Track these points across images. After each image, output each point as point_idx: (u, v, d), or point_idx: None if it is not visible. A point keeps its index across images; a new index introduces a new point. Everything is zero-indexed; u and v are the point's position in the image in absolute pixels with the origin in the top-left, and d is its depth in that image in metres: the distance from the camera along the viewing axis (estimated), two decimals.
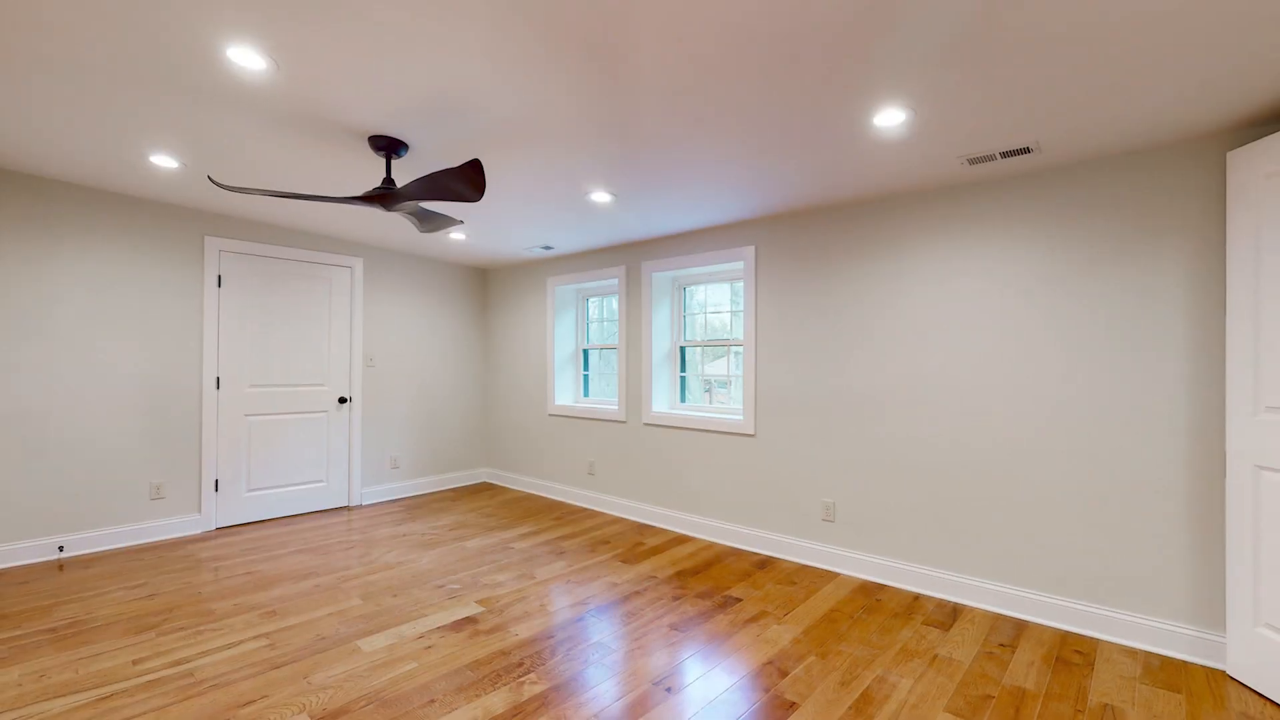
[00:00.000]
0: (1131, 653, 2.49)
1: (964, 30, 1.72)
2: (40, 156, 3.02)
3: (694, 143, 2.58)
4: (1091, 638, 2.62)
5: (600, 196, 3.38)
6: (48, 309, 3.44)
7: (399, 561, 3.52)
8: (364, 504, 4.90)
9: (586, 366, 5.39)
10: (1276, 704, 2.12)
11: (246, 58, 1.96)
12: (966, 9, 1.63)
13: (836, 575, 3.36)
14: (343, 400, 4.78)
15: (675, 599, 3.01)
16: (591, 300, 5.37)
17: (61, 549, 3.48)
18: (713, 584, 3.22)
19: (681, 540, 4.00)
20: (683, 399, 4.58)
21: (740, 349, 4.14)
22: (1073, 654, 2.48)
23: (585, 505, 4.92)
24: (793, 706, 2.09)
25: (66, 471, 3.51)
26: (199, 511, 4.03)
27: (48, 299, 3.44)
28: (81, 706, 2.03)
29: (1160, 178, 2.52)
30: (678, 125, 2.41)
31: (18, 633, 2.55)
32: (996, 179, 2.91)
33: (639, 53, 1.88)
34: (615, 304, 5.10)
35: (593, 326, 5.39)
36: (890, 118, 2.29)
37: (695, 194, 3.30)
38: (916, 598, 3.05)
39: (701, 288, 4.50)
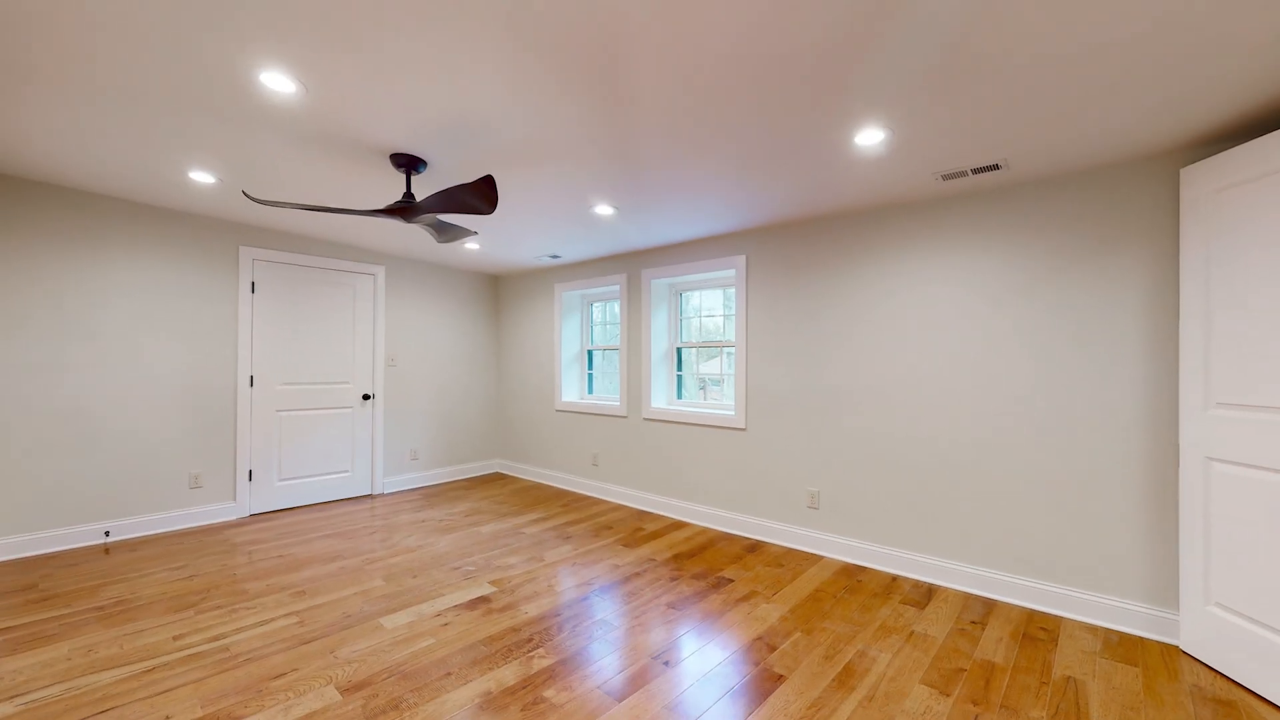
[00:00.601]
0: (1092, 629, 2.49)
1: (938, 56, 1.73)
2: (90, 174, 3.03)
3: (689, 161, 2.59)
4: (1055, 615, 2.62)
5: (603, 210, 3.39)
6: (97, 313, 3.45)
7: (418, 545, 3.52)
8: (386, 492, 4.91)
9: (590, 366, 5.39)
10: (1226, 676, 2.13)
11: (278, 82, 1.96)
12: (940, 37, 1.63)
13: (820, 558, 3.37)
14: (366, 397, 4.78)
15: (672, 580, 3.02)
16: (595, 305, 5.38)
17: (108, 534, 3.49)
18: (707, 566, 3.22)
19: (678, 526, 4.01)
20: (679, 396, 4.58)
21: (732, 350, 4.14)
22: (1038, 630, 2.48)
23: (590, 494, 4.92)
24: (780, 679, 2.09)
25: (113, 462, 3.52)
26: (234, 499, 4.04)
27: (97, 304, 3.45)
28: (127, 678, 2.04)
29: (1118, 192, 2.52)
30: (675, 145, 2.41)
31: (68, 611, 2.56)
32: (968, 193, 2.91)
33: (639, 78, 1.89)
34: (617, 308, 5.10)
35: (596, 329, 5.39)
36: (870, 137, 2.29)
37: (691, 207, 3.31)
38: (894, 579, 3.06)
39: (697, 293, 4.51)
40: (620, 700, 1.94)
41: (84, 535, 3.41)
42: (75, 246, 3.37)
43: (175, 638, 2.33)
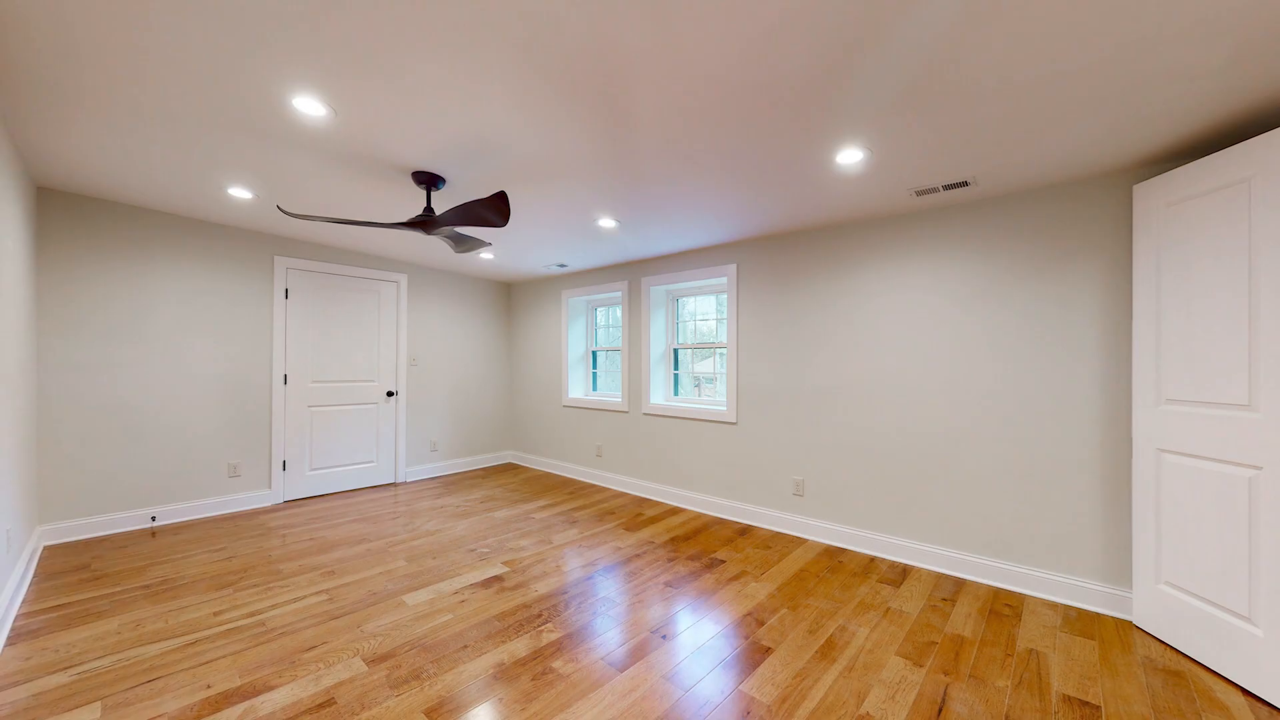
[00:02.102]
0: (1053, 606, 2.49)
1: (913, 84, 1.73)
2: (138, 190, 3.03)
3: (685, 178, 2.58)
4: (1019, 593, 2.62)
5: (606, 223, 3.39)
6: (143, 317, 3.45)
7: (437, 529, 3.52)
8: (408, 481, 4.91)
9: (595, 365, 5.39)
10: (1175, 649, 2.13)
11: (309, 106, 1.96)
12: (915, 66, 1.63)
13: (805, 541, 3.36)
14: (390, 394, 4.78)
15: (669, 561, 3.01)
16: (599, 309, 5.37)
17: (154, 519, 3.49)
18: (701, 548, 3.22)
19: (675, 511, 4.00)
20: (676, 393, 4.58)
21: (724, 350, 4.14)
22: (1003, 607, 2.48)
23: (594, 482, 4.92)
24: (768, 651, 2.09)
25: (159, 453, 3.52)
26: (269, 487, 4.04)
27: (144, 309, 3.45)
28: (171, 650, 2.04)
29: (1077, 206, 2.52)
30: (672, 163, 2.41)
31: (118, 589, 2.56)
32: (940, 208, 2.91)
33: (638, 101, 1.89)
34: (619, 313, 5.10)
35: (600, 331, 5.39)
36: (850, 156, 2.29)
37: (686, 220, 3.31)
38: (872, 560, 3.06)
39: (692, 299, 4.50)
40: (622, 671, 1.94)
41: (132, 520, 3.41)
42: (124, 256, 3.37)
43: (215, 614, 2.33)
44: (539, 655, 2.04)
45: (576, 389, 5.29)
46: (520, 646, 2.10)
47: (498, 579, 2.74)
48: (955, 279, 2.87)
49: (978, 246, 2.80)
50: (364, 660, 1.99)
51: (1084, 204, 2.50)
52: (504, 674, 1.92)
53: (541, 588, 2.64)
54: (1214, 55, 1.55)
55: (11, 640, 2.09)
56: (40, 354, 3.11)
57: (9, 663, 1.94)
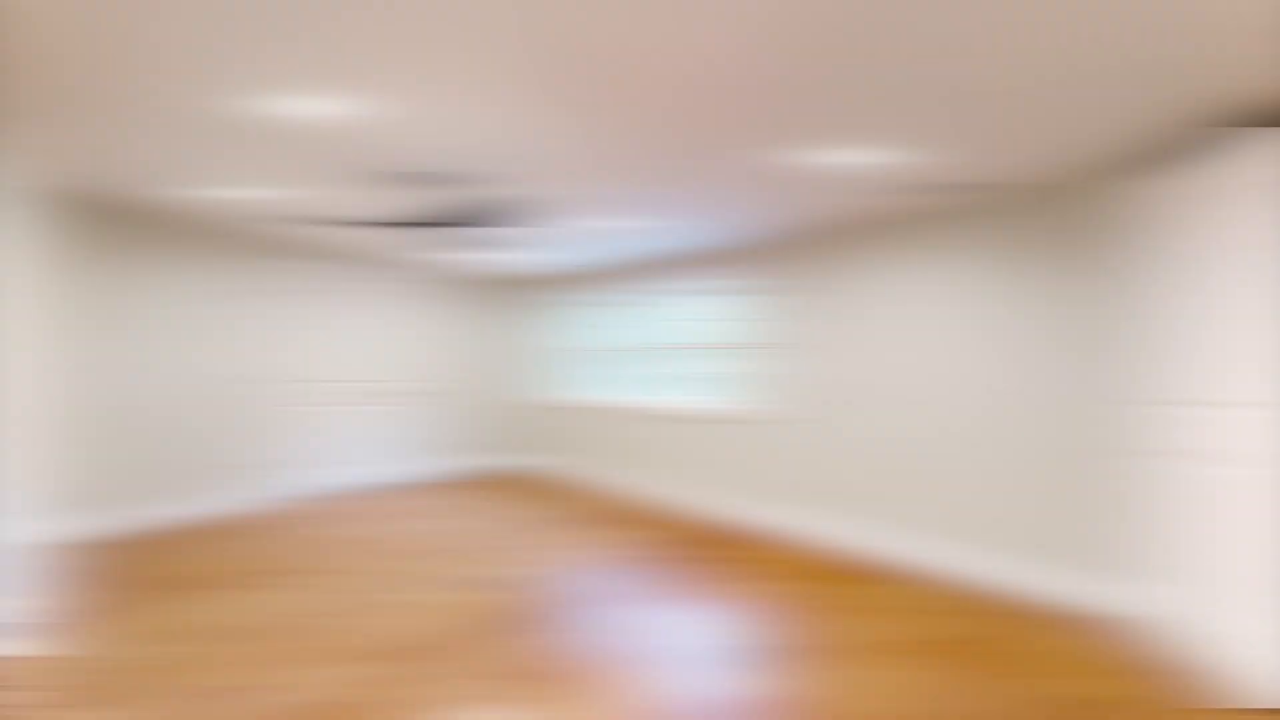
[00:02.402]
0: (1053, 605, 2.49)
1: (913, 83, 1.73)
2: (137, 190, 3.03)
3: (685, 178, 2.58)
4: (1026, 590, 2.62)
5: (610, 223, 3.39)
6: (144, 317, 3.45)
7: (438, 529, 3.52)
8: (409, 481, 4.91)
9: (601, 366, 5.38)
10: (1174, 648, 2.12)
11: (315, 109, 1.96)
12: (914, 65, 1.63)
13: (813, 540, 3.36)
14: (395, 395, 4.78)
15: (670, 561, 3.01)
16: (606, 310, 5.36)
17: (155, 519, 3.49)
18: (704, 549, 3.22)
19: (675, 511, 4.00)
20: (682, 394, 4.57)
21: (733, 352, 4.13)
22: (1011, 604, 2.48)
23: (596, 483, 4.91)
24: (771, 651, 2.09)
25: (162, 452, 3.52)
26: (271, 487, 4.04)
27: (144, 309, 3.45)
28: (172, 650, 2.04)
29: (1085, 206, 2.51)
30: (672, 163, 2.41)
31: (118, 589, 2.56)
32: (940, 210, 2.91)
33: (639, 101, 1.88)
34: (621, 313, 5.09)
35: (606, 332, 5.37)
36: (850, 156, 2.29)
37: (686, 220, 3.30)
38: (881, 558, 3.05)
39: (700, 300, 4.48)
40: (621, 670, 1.94)
41: (133, 519, 3.41)
42: (126, 256, 3.38)
43: (216, 614, 2.33)
44: (538, 655, 2.04)
45: (581, 390, 5.28)
46: (518, 647, 2.10)
47: (496, 580, 2.74)
48: (956, 279, 2.87)
49: (979, 247, 2.80)
50: (364, 660, 1.99)
51: (1084, 204, 2.50)
52: (501, 674, 1.92)
53: (540, 589, 2.64)
54: (1218, 54, 1.55)
55: (13, 640, 2.09)
56: (41, 354, 3.11)
57: (10, 663, 1.94)
